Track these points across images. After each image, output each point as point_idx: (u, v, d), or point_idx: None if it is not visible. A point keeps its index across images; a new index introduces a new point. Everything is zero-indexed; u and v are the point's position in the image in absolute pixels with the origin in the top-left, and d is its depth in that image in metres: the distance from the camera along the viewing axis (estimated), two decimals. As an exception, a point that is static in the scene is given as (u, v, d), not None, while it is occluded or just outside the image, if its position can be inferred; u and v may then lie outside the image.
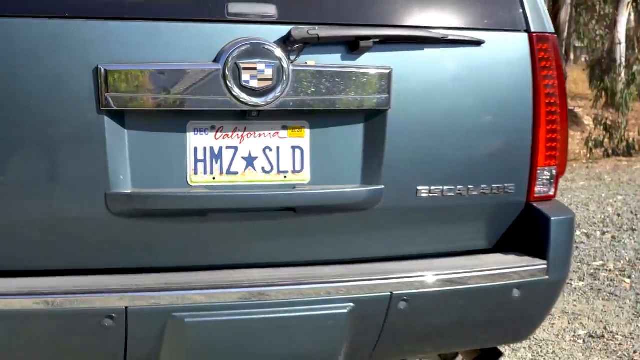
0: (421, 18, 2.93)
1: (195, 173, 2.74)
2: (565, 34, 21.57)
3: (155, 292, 2.64)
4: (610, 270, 7.22)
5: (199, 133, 2.74)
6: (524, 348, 5.29)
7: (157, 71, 2.61)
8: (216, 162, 2.76)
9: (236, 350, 2.76)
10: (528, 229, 3.13)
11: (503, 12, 3.05)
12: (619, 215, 9.53)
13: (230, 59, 2.64)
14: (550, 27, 3.13)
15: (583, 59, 26.34)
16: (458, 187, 3.00)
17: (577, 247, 8.03)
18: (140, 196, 2.65)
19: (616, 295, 6.45)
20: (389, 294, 2.85)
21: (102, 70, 2.56)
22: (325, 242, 2.92)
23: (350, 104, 2.81)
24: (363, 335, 2.91)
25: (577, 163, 15.02)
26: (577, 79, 23.87)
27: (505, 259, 3.08)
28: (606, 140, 15.98)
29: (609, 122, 16.40)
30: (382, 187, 2.88)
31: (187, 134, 2.72)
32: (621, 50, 20.68)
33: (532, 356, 5.16)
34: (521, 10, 3.06)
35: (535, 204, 3.14)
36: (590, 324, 5.78)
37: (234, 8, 2.69)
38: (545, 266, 3.05)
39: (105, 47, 2.59)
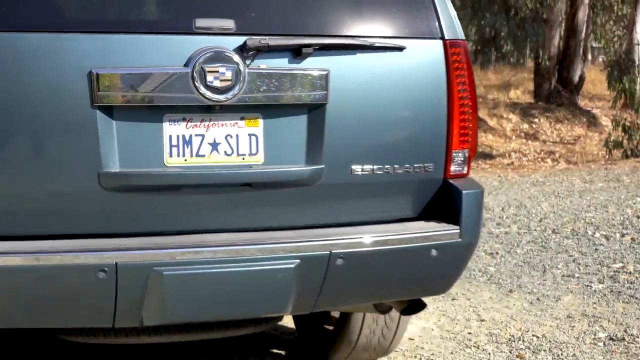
0: (353, 28, 3.64)
1: (170, 156, 3.42)
2: (583, 34, 21.46)
3: (139, 251, 3.32)
4: (630, 272, 7.21)
5: (172, 123, 3.41)
6: (544, 351, 5.28)
7: (138, 74, 3.29)
8: (187, 147, 3.44)
9: (205, 298, 3.44)
10: (445, 201, 3.81)
11: (421, 23, 3.73)
12: (638, 217, 9.52)
13: (197, 64, 3.33)
14: (461, 35, 3.81)
15: (600, 60, 26.27)
16: (386, 166, 3.68)
17: (596, 249, 8.02)
18: (126, 175, 3.33)
19: (636, 298, 6.45)
20: (329, 252, 3.52)
21: (95, 73, 3.24)
22: (276, 212, 3.60)
23: (295, 99, 3.51)
24: (307, 286, 3.56)
25: (595, 164, 15.02)
26: (595, 79, 23.78)
27: (426, 225, 3.77)
28: (625, 141, 15.95)
29: (627, 123, 16.36)
30: (323, 166, 3.57)
31: (163, 124, 3.40)
32: (639, 51, 20.59)
33: (552, 358, 5.16)
34: (436, 21, 3.74)
35: (450, 180, 3.81)
36: (611, 327, 5.77)
37: (199, 22, 3.39)
38: (457, 231, 3.73)
39: (97, 55, 3.27)
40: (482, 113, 19.00)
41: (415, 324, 5.63)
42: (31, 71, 3.22)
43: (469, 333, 5.66)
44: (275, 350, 5.28)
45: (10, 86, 3.19)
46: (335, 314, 4.83)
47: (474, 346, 5.40)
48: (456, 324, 5.86)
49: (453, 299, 6.39)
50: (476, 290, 6.69)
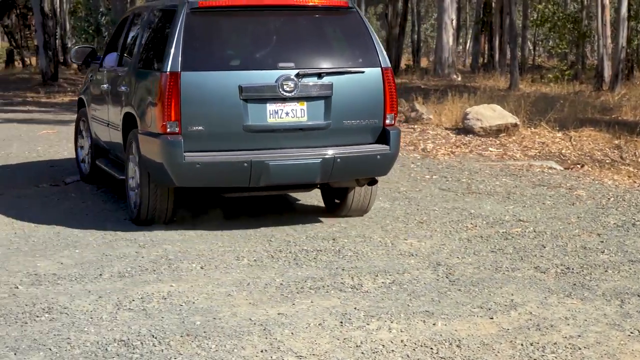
0: (342, 64, 8.77)
1: (269, 118, 8.45)
2: None
3: (259, 155, 8.35)
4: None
5: (270, 104, 8.46)
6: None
7: (257, 86, 8.42)
8: (276, 114, 8.46)
9: (286, 174, 8.46)
10: (383, 136, 8.75)
11: (372, 60, 8.75)
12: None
13: (280, 80, 8.40)
14: (388, 64, 8.85)
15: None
16: (358, 121, 8.68)
17: None
18: (252, 125, 8.40)
19: None
20: (333, 156, 8.48)
21: (240, 86, 8.35)
22: (311, 140, 8.60)
23: (318, 94, 8.55)
24: (325, 170, 8.47)
25: None
26: None
27: (376, 146, 8.74)
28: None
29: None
30: (330, 121, 8.56)
31: (267, 104, 8.45)
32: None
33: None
34: (378, 59, 8.77)
35: (386, 127, 8.76)
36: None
37: (280, 64, 8.52)
38: (388, 148, 8.71)
39: (241, 78, 8.42)
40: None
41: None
42: (223, 84, 8.39)
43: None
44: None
45: (212, 90, 8.37)
46: (339, 197, 9.45)
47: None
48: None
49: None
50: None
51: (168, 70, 8.20)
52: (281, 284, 6.85)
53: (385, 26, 42.02)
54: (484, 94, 20.44)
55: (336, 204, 9.47)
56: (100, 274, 7.12)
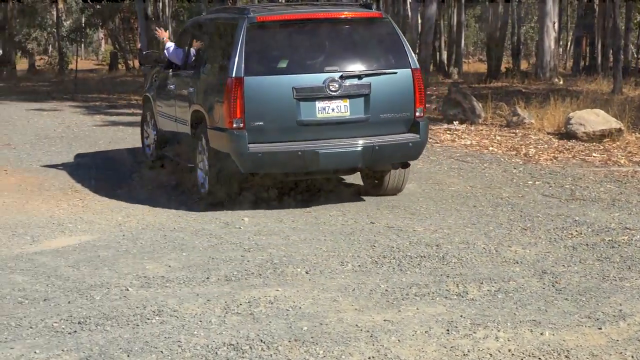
0: (378, 66, 10.26)
1: (318, 113, 9.95)
2: None
3: (310, 145, 9.83)
4: None
5: (319, 102, 9.93)
6: None
7: (307, 87, 9.91)
8: (323, 110, 9.95)
9: (334, 160, 9.95)
10: (414, 126, 10.25)
11: (403, 62, 10.26)
12: None
13: (326, 82, 9.90)
14: (417, 65, 10.40)
15: None
16: (392, 114, 10.18)
17: None
18: (304, 120, 9.89)
19: None
20: (373, 144, 9.97)
21: (294, 87, 9.87)
22: (353, 131, 10.05)
23: (358, 92, 10.06)
24: (366, 156, 9.96)
25: None
26: None
27: (408, 135, 10.25)
28: None
29: None
30: (370, 115, 10.08)
31: (316, 102, 9.90)
32: None
33: None
34: (409, 61, 10.27)
35: (416, 118, 10.25)
36: None
37: (326, 68, 9.99)
38: (418, 136, 10.22)
39: (294, 80, 9.90)
40: None
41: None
42: (279, 86, 9.86)
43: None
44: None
45: (270, 91, 9.86)
46: (377, 179, 10.94)
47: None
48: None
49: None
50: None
51: (233, 75, 9.71)
52: (386, 290, 6.87)
53: (485, 28, 41.82)
54: (587, 98, 20.13)
55: (375, 185, 11.01)
56: (208, 277, 7.24)
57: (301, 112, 9.83)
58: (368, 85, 10.01)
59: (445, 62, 42.12)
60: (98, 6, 43.79)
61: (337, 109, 9.95)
